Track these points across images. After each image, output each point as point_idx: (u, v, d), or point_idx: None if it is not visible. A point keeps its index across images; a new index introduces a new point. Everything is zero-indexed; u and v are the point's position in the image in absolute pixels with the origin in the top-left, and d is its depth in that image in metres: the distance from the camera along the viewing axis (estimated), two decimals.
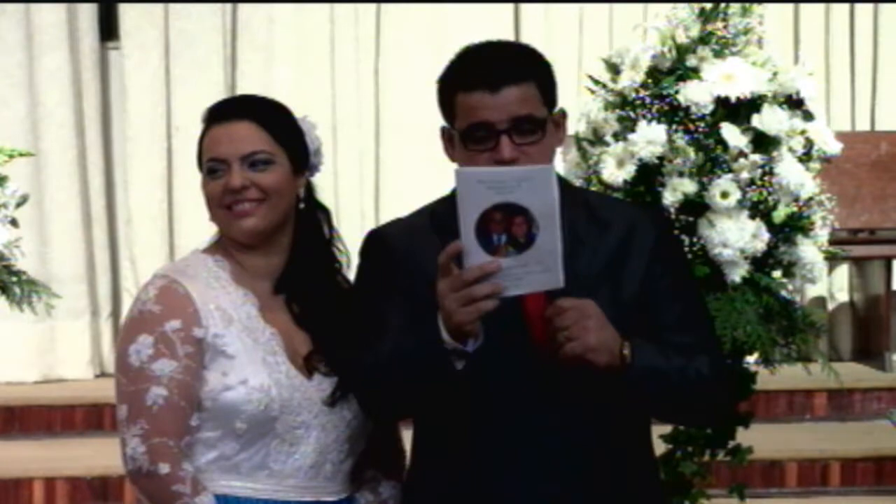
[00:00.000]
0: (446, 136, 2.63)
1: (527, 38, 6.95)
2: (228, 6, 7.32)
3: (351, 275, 2.80)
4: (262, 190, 2.65)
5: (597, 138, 3.49)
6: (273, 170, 2.67)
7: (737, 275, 3.38)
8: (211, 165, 2.67)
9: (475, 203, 2.34)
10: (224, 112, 2.71)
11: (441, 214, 2.62)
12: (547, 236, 2.35)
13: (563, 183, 2.61)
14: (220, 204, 2.67)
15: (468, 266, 2.36)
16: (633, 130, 3.39)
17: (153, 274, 2.72)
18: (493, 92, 2.52)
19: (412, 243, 2.62)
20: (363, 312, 2.62)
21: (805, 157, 3.45)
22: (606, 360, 2.45)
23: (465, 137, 2.55)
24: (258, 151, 2.66)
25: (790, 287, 3.49)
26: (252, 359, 2.63)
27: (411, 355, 2.46)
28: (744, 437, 3.73)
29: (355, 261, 2.72)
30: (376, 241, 2.68)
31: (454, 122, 2.58)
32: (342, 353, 2.64)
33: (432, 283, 2.45)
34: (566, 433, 2.55)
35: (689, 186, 3.35)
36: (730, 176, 3.34)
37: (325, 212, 2.81)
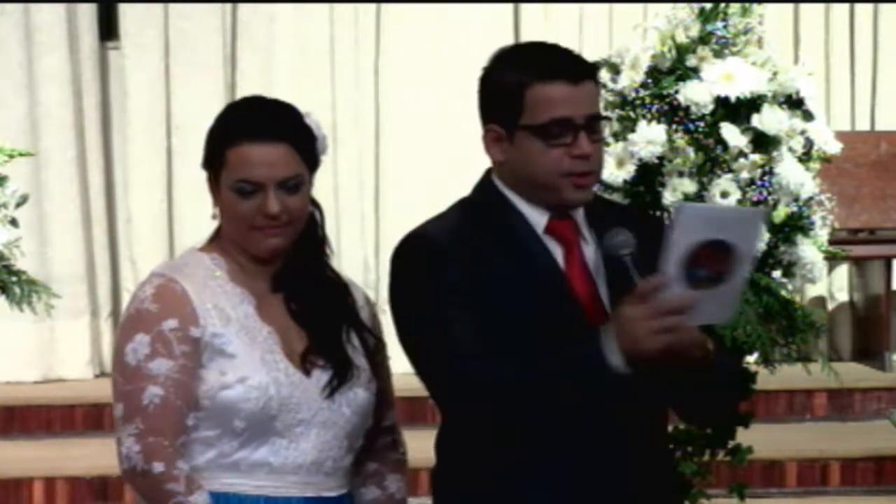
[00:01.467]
0: (493, 134, 2.58)
1: (527, 38, 6.94)
2: (228, 6, 7.31)
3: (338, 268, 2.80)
4: (291, 214, 2.65)
5: None
6: (302, 192, 2.67)
7: None
8: (243, 186, 2.64)
9: (690, 236, 2.34)
10: (259, 130, 2.65)
11: (479, 216, 2.59)
12: (739, 276, 2.38)
13: None
14: (251, 225, 2.65)
15: (669, 296, 2.35)
16: (633, 130, 3.39)
17: (150, 272, 2.70)
18: (576, 84, 2.52)
19: (459, 244, 2.55)
20: (432, 319, 2.52)
21: (805, 157, 3.46)
22: (701, 353, 2.44)
23: (541, 132, 2.51)
24: (293, 176, 2.65)
25: (790, 287, 3.49)
26: (251, 357, 2.63)
27: (560, 376, 2.42)
28: (744, 437, 3.73)
29: (354, 260, 2.71)
30: (425, 242, 2.59)
31: (520, 116, 2.53)
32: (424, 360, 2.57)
33: (495, 286, 2.46)
34: (635, 440, 2.54)
35: (689, 186, 3.35)
36: (730, 176, 3.34)
37: (319, 208, 2.80)
